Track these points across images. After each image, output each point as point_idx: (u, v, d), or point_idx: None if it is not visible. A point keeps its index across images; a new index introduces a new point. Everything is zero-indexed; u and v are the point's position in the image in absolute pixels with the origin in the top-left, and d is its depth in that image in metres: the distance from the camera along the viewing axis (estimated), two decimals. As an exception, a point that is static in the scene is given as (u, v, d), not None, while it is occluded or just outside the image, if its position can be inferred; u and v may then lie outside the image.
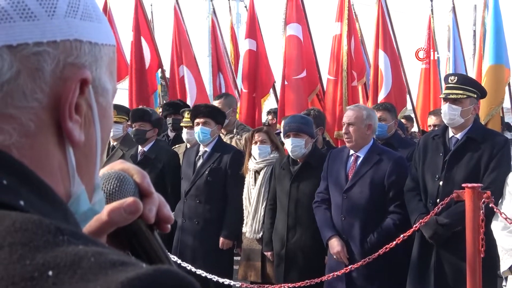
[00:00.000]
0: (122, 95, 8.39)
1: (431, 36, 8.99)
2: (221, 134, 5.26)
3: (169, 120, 6.50)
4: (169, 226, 0.75)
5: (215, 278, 4.27)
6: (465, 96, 4.00)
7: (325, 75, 7.00)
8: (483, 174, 3.84)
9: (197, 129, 4.89)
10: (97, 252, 0.49)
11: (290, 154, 4.40)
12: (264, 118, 8.14)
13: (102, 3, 9.22)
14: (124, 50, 8.86)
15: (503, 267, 3.56)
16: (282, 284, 4.14)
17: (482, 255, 3.41)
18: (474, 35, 17.65)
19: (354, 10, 7.53)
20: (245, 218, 4.69)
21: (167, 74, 8.95)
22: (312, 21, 7.31)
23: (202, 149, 4.94)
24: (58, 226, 0.51)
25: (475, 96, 4.06)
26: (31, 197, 0.56)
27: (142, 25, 8.49)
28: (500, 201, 3.65)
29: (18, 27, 0.58)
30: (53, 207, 0.58)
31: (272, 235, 4.48)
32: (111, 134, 5.16)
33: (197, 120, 4.91)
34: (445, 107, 4.03)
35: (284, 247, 4.35)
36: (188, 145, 5.45)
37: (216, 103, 5.84)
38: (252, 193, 4.67)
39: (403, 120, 7.12)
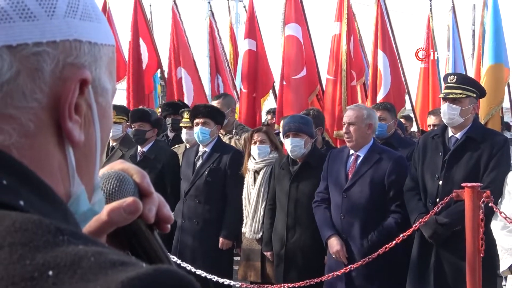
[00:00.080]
0: (120, 96, 8.39)
1: (430, 36, 8.99)
2: (220, 135, 5.26)
3: (168, 121, 6.50)
4: (169, 226, 0.75)
5: (214, 278, 4.27)
6: (464, 95, 4.01)
7: (324, 75, 7.01)
8: (482, 174, 3.84)
9: (196, 129, 4.89)
10: (97, 252, 0.49)
11: (289, 154, 4.40)
12: (264, 118, 8.15)
13: (102, 3, 9.22)
14: (123, 50, 8.87)
15: (503, 266, 3.56)
16: (282, 284, 4.14)
17: (481, 255, 3.41)
18: (473, 34, 17.67)
19: (352, 10, 7.53)
20: (244, 218, 4.69)
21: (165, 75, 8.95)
22: (311, 21, 7.31)
23: (201, 149, 4.94)
24: (58, 226, 0.51)
25: (475, 95, 4.07)
26: (31, 197, 0.56)
27: (141, 25, 8.49)
28: (499, 200, 3.66)
29: (18, 27, 0.59)
30: (53, 207, 0.58)
31: (272, 235, 4.48)
32: (111, 135, 5.19)
33: (196, 120, 4.91)
34: (444, 106, 4.03)
35: (284, 247, 4.36)
36: (188, 145, 5.45)
37: (215, 103, 5.84)
38: (251, 193, 4.67)
39: (402, 120, 7.12)
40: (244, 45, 7.67)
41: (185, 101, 7.64)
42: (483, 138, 3.93)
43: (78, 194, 0.65)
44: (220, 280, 4.28)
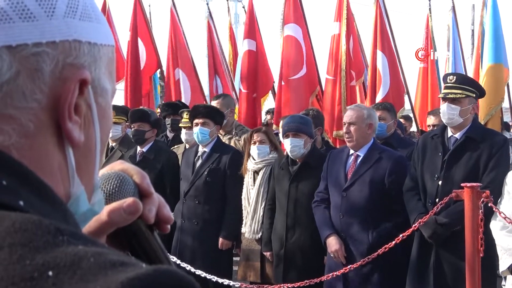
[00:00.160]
0: (118, 96, 8.39)
1: (429, 36, 9.00)
2: (219, 135, 5.26)
3: (168, 121, 6.50)
4: (168, 226, 0.75)
5: (214, 278, 4.27)
6: (463, 95, 4.01)
7: (324, 75, 7.01)
8: (482, 174, 3.84)
9: (196, 129, 4.89)
10: (96, 252, 0.49)
11: (289, 154, 4.40)
12: (263, 118, 8.14)
13: (101, 3, 9.22)
14: (123, 51, 8.87)
15: (502, 267, 3.56)
16: (281, 284, 4.14)
17: (481, 255, 3.41)
18: (472, 34, 17.68)
19: (351, 10, 7.53)
20: (244, 218, 4.70)
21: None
22: (310, 21, 7.31)
23: (201, 149, 4.94)
24: (57, 227, 0.51)
25: (474, 95, 4.07)
26: (31, 197, 0.56)
27: (141, 26, 8.49)
28: (499, 200, 3.66)
29: (18, 28, 0.59)
30: (52, 207, 0.58)
31: (271, 235, 4.48)
32: (110, 135, 5.17)
33: (196, 121, 4.91)
34: (444, 106, 4.04)
35: (283, 247, 4.36)
36: (187, 146, 5.45)
37: (214, 103, 5.84)
38: (251, 193, 4.67)
39: (401, 120, 7.12)
40: (244, 45, 7.68)
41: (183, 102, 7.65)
42: (482, 138, 3.93)
43: (78, 194, 0.65)
44: (220, 280, 4.28)
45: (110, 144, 5.77)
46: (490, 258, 3.63)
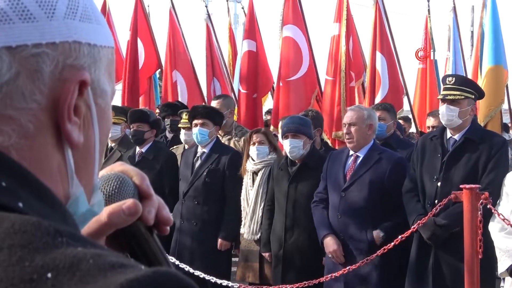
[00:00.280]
0: (116, 96, 8.37)
1: (427, 37, 9.00)
2: (218, 136, 5.26)
3: (167, 121, 6.49)
4: (168, 228, 0.75)
5: (213, 279, 4.27)
6: (462, 97, 4.01)
7: (323, 76, 7.01)
8: (481, 175, 3.84)
9: (195, 130, 4.88)
10: (96, 254, 0.49)
11: (288, 155, 4.40)
12: (264, 118, 8.12)
13: (101, 3, 9.22)
14: (122, 51, 8.86)
15: (501, 268, 3.56)
16: (280, 285, 4.14)
17: (480, 256, 3.41)
18: (472, 36, 17.69)
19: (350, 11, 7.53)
20: (243, 219, 4.69)
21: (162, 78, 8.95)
22: (310, 22, 7.31)
23: (200, 150, 4.94)
24: (57, 228, 0.51)
25: (473, 97, 4.08)
26: (30, 198, 0.56)
27: (141, 26, 8.49)
28: (497, 202, 3.66)
29: (17, 29, 0.58)
30: (52, 208, 0.58)
31: (270, 236, 4.48)
32: (109, 135, 5.17)
33: (195, 121, 4.91)
34: (442, 108, 4.04)
35: (282, 248, 4.35)
36: (186, 146, 5.45)
37: (214, 103, 5.84)
38: (250, 194, 4.67)
39: (400, 121, 7.12)
40: (244, 46, 7.68)
41: None
42: (481, 139, 3.94)
43: (77, 195, 0.65)
44: (219, 281, 4.27)
45: (109, 145, 5.77)
46: (489, 260, 3.63)
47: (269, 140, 4.73)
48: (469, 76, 7.94)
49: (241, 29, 10.89)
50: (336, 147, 5.97)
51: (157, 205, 0.74)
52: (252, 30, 7.65)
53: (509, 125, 8.72)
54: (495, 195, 3.61)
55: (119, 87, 8.45)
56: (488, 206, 3.40)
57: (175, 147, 5.77)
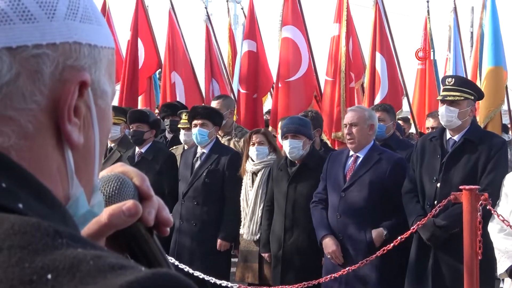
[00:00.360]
0: (115, 96, 8.35)
1: (427, 38, 9.01)
2: (218, 136, 5.26)
3: (166, 122, 6.49)
4: (168, 229, 0.75)
5: (212, 279, 4.27)
6: (462, 98, 4.02)
7: (323, 76, 7.01)
8: (480, 176, 3.84)
9: (194, 130, 4.88)
10: (96, 255, 0.49)
11: (288, 155, 4.40)
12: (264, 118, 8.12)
13: (101, 3, 9.22)
14: (122, 52, 8.86)
15: (500, 269, 3.56)
16: (279, 286, 4.14)
17: (479, 257, 3.41)
18: (471, 37, 17.70)
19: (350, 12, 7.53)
20: (242, 219, 4.69)
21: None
22: (309, 23, 7.31)
23: (199, 150, 4.94)
24: (56, 229, 0.51)
25: (472, 97, 4.08)
26: (30, 199, 0.56)
27: (142, 25, 8.49)
28: (497, 202, 3.66)
29: (18, 29, 0.58)
30: (51, 209, 0.58)
31: (270, 236, 4.48)
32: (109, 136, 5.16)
33: (194, 122, 4.90)
34: (442, 109, 4.04)
35: (281, 248, 4.35)
36: (186, 147, 5.45)
37: (214, 104, 5.84)
38: (249, 194, 4.67)
39: (400, 122, 7.13)
40: (244, 46, 7.68)
41: None
42: (481, 140, 3.94)
43: (77, 196, 0.65)
44: (218, 281, 4.27)
45: (109, 145, 5.76)
46: (489, 261, 3.63)
47: (269, 140, 4.73)
48: (469, 77, 7.94)
49: (240, 29, 10.88)
50: (336, 148, 5.97)
51: (157, 206, 0.74)
52: (252, 31, 7.65)
53: (509, 126, 8.73)
54: (495, 196, 3.61)
55: (117, 87, 8.45)
56: (487, 207, 3.40)
57: (174, 147, 5.77)
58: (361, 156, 4.17)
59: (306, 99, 6.78)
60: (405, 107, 7.63)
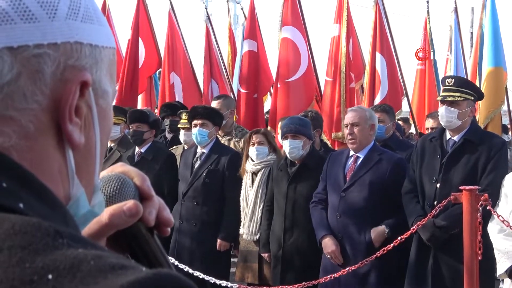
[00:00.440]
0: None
1: (426, 38, 9.01)
2: (218, 136, 5.26)
3: (166, 122, 6.48)
4: (168, 229, 0.75)
5: (212, 279, 4.27)
6: (462, 98, 4.02)
7: (323, 77, 7.01)
8: (480, 176, 3.84)
9: (194, 130, 4.88)
10: (96, 255, 0.49)
11: (287, 155, 4.40)
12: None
13: (101, 3, 9.22)
14: (122, 52, 8.86)
15: (500, 270, 3.56)
16: (279, 286, 4.14)
17: (479, 258, 3.41)
18: (471, 37, 17.70)
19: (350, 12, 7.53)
20: (242, 219, 4.69)
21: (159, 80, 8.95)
22: (309, 23, 7.31)
23: (199, 150, 4.94)
24: (57, 229, 0.51)
25: (472, 98, 4.08)
26: (31, 199, 0.56)
27: (143, 25, 8.49)
28: (496, 203, 3.66)
29: (19, 29, 0.58)
30: (52, 209, 0.58)
31: (269, 236, 4.48)
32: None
33: (194, 122, 4.90)
34: (442, 109, 4.04)
35: (281, 248, 4.35)
36: (186, 147, 5.44)
37: (214, 103, 5.84)
38: (249, 194, 4.67)
39: (400, 122, 7.13)
40: (245, 46, 7.68)
41: None
42: (480, 140, 3.94)
43: (78, 196, 0.65)
44: (218, 281, 4.27)
45: (109, 145, 5.76)
46: (488, 261, 3.63)
47: (269, 140, 4.73)
48: (468, 77, 7.94)
49: (240, 29, 10.88)
50: (336, 148, 5.97)
51: (157, 206, 0.74)
52: (253, 30, 7.65)
53: (508, 126, 8.73)
54: (495, 196, 3.61)
55: (116, 86, 8.43)
56: (487, 208, 3.40)
57: (174, 147, 5.76)
58: (361, 156, 4.17)
59: (306, 99, 6.78)
60: (405, 107, 7.63)
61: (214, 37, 8.52)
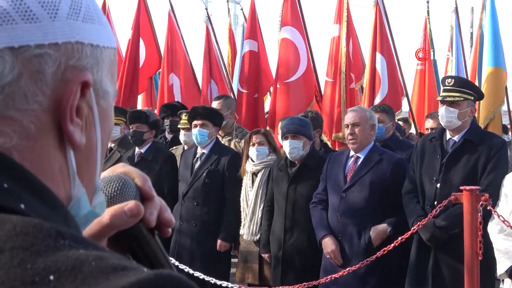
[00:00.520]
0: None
1: (426, 38, 9.02)
2: (218, 136, 5.25)
3: (166, 122, 6.48)
4: (170, 230, 0.75)
5: (212, 280, 4.27)
6: (462, 98, 4.02)
7: (323, 77, 7.01)
8: (480, 176, 3.85)
9: (194, 131, 4.88)
10: (98, 256, 0.49)
11: (288, 156, 4.40)
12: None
13: (101, 3, 9.22)
14: (122, 52, 8.86)
15: (500, 270, 3.56)
16: (279, 286, 4.14)
17: (480, 258, 3.41)
18: (471, 37, 17.71)
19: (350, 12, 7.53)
20: (242, 220, 4.69)
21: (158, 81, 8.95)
22: (309, 24, 7.31)
23: (199, 151, 4.94)
24: (59, 230, 0.51)
25: (472, 98, 4.08)
26: (32, 200, 0.55)
27: (143, 25, 8.49)
28: (496, 203, 3.66)
29: (20, 29, 0.58)
30: (53, 210, 0.58)
31: (270, 237, 4.48)
32: (109, 136, 5.15)
33: (194, 122, 4.90)
34: (442, 109, 4.04)
35: (281, 249, 4.35)
36: (186, 147, 5.44)
37: (215, 104, 5.84)
38: (249, 195, 4.67)
39: (400, 123, 7.13)
40: (245, 46, 7.68)
41: None
42: (481, 140, 3.94)
43: (79, 196, 0.65)
44: (218, 282, 4.27)
45: (109, 145, 5.76)
46: (489, 261, 3.63)
47: (269, 141, 4.73)
48: (469, 77, 7.94)
49: (240, 30, 10.89)
50: (337, 149, 5.97)
51: (159, 207, 0.73)
52: (253, 30, 7.65)
53: (508, 126, 8.73)
54: (495, 196, 3.61)
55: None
56: (488, 208, 3.40)
57: (174, 148, 5.76)
58: (361, 156, 4.17)
59: (306, 99, 6.78)
60: (405, 107, 7.63)
61: (215, 37, 8.52)
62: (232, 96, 7.48)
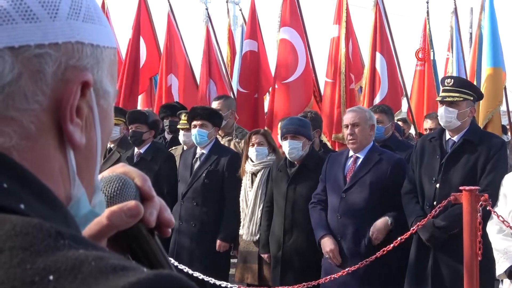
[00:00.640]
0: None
1: (426, 39, 9.02)
2: (218, 136, 5.25)
3: (166, 122, 6.48)
4: (169, 230, 0.75)
5: (212, 280, 4.27)
6: (461, 98, 4.02)
7: (323, 78, 7.01)
8: (479, 176, 3.85)
9: (194, 131, 4.88)
10: (97, 256, 0.48)
11: (287, 156, 4.40)
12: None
13: (100, 3, 9.21)
14: (122, 52, 8.85)
15: (499, 270, 3.56)
16: (279, 287, 4.14)
17: (479, 258, 3.41)
18: (470, 37, 17.72)
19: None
20: (242, 220, 4.69)
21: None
22: (309, 24, 7.30)
23: (199, 151, 4.94)
24: (58, 230, 0.51)
25: (472, 98, 4.08)
26: (32, 200, 0.55)
27: (144, 25, 8.48)
28: (496, 203, 3.66)
29: (20, 29, 0.58)
30: (53, 210, 0.57)
31: (269, 237, 4.48)
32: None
33: (194, 122, 4.90)
34: (441, 109, 4.05)
35: (281, 249, 4.35)
36: (185, 147, 5.44)
37: (215, 104, 5.83)
38: (249, 195, 4.67)
39: (400, 123, 7.13)
40: (245, 46, 7.68)
41: None
42: (480, 140, 3.94)
43: (79, 196, 0.65)
44: (217, 282, 4.27)
45: (108, 145, 5.76)
46: (488, 262, 3.63)
47: (268, 141, 4.73)
48: (468, 77, 7.94)
49: (239, 30, 10.89)
50: (336, 149, 5.97)
51: (158, 207, 0.73)
52: (253, 31, 7.66)
53: (507, 127, 8.74)
54: (494, 197, 3.61)
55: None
56: (487, 208, 3.40)
57: (173, 148, 5.76)
58: (361, 157, 4.17)
59: (304, 100, 6.78)
60: (405, 107, 7.63)
61: (215, 37, 8.52)
62: (232, 95, 7.48)
